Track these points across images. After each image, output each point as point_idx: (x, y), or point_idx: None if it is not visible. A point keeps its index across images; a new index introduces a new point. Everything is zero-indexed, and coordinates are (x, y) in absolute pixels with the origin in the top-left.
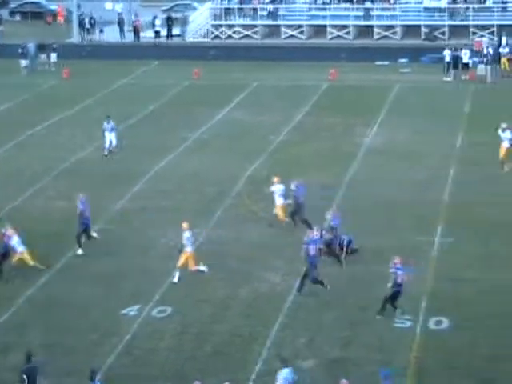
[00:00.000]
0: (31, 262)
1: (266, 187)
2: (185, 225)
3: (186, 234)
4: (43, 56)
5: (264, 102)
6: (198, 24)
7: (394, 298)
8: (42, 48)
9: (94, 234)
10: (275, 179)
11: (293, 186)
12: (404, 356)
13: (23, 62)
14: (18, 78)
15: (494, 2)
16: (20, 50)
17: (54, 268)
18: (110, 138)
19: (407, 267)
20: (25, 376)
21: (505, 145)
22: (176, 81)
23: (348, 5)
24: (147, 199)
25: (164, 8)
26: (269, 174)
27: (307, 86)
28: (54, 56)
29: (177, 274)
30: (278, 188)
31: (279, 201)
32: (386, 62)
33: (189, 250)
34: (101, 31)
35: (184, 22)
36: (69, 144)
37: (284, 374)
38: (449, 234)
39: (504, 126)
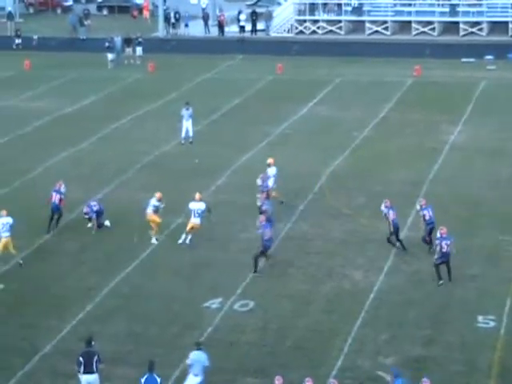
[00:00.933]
0: (12, 251)
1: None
2: (197, 196)
3: (200, 206)
4: (129, 50)
5: (347, 98)
6: (283, 19)
7: (438, 266)
8: (127, 42)
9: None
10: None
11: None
12: (487, 356)
13: (110, 56)
14: (105, 72)
15: None
16: (106, 44)
17: (138, 259)
18: (187, 126)
19: (450, 237)
20: (81, 359)
21: None
22: (260, 75)
23: (433, 0)
24: (229, 193)
25: (248, 3)
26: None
27: (391, 82)
28: (139, 50)
29: (183, 236)
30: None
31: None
32: (472, 59)
33: (196, 221)
34: (186, 25)
35: (268, 17)
36: (153, 137)
37: (195, 355)
38: None
39: None
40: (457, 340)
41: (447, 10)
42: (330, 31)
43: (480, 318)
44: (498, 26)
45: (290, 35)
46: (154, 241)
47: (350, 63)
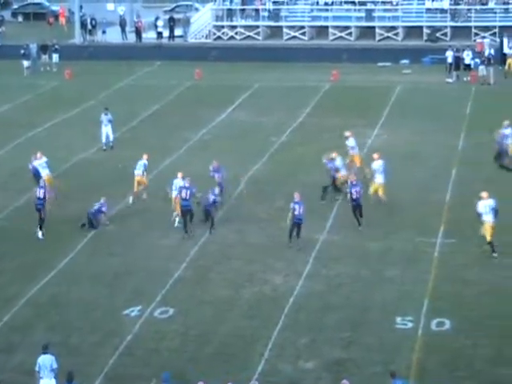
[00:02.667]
0: None
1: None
2: (180, 174)
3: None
4: (45, 57)
5: (266, 103)
6: (200, 25)
7: (296, 229)
8: (43, 49)
9: None
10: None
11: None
12: (405, 357)
13: (25, 63)
14: (20, 79)
15: (495, 4)
16: (22, 51)
17: (57, 267)
18: (107, 131)
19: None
20: None
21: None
22: (178, 81)
23: (350, 6)
24: (150, 199)
25: (166, 9)
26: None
27: (309, 86)
28: (55, 57)
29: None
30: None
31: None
32: (388, 63)
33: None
34: (103, 32)
35: (186, 23)
36: (71, 145)
37: (42, 359)
38: (451, 235)
39: (347, 133)
40: (376, 342)
41: (363, 14)
42: (248, 37)
43: (398, 320)
44: (413, 31)
45: (208, 41)
46: (130, 201)
47: (268, 68)
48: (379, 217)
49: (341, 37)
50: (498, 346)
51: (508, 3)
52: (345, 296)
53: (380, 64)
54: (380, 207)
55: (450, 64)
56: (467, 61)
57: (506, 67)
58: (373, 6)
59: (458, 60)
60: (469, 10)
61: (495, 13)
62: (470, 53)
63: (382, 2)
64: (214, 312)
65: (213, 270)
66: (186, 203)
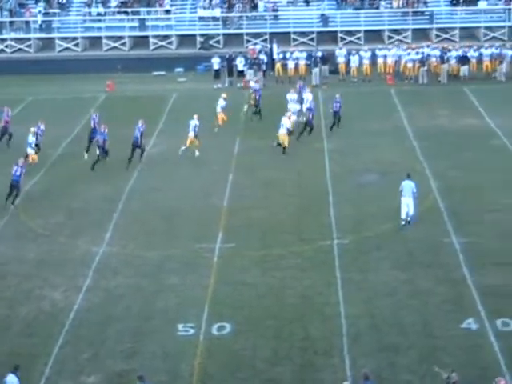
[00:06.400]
0: None
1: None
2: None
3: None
4: None
5: (41, 117)
6: None
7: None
8: None
9: None
10: None
11: None
12: (188, 363)
13: None
14: None
15: (265, 11)
16: None
17: None
18: None
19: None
20: None
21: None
22: None
23: (123, 16)
24: None
25: None
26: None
27: (85, 98)
28: None
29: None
30: None
31: None
32: (163, 72)
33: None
34: None
35: None
36: None
37: None
38: (230, 240)
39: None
40: (159, 350)
41: (137, 24)
42: (19, 49)
43: (180, 327)
44: (186, 39)
45: None
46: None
47: (41, 81)
48: (158, 227)
49: (115, 47)
50: (274, 346)
51: (277, 10)
52: (126, 307)
53: (155, 73)
54: (159, 217)
55: (217, 70)
56: (240, 67)
57: (276, 72)
58: (146, 16)
59: (230, 66)
60: (240, 17)
61: (265, 20)
62: (242, 59)
63: (155, 12)
64: None
65: None
66: (15, 178)
